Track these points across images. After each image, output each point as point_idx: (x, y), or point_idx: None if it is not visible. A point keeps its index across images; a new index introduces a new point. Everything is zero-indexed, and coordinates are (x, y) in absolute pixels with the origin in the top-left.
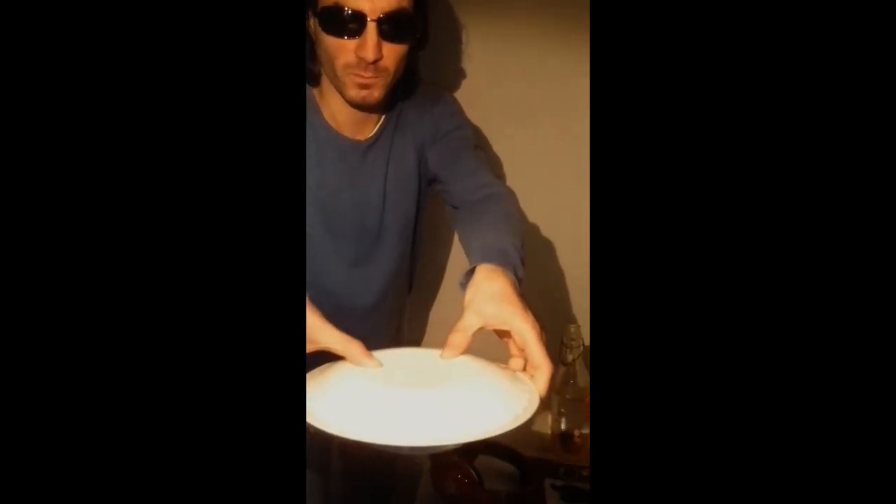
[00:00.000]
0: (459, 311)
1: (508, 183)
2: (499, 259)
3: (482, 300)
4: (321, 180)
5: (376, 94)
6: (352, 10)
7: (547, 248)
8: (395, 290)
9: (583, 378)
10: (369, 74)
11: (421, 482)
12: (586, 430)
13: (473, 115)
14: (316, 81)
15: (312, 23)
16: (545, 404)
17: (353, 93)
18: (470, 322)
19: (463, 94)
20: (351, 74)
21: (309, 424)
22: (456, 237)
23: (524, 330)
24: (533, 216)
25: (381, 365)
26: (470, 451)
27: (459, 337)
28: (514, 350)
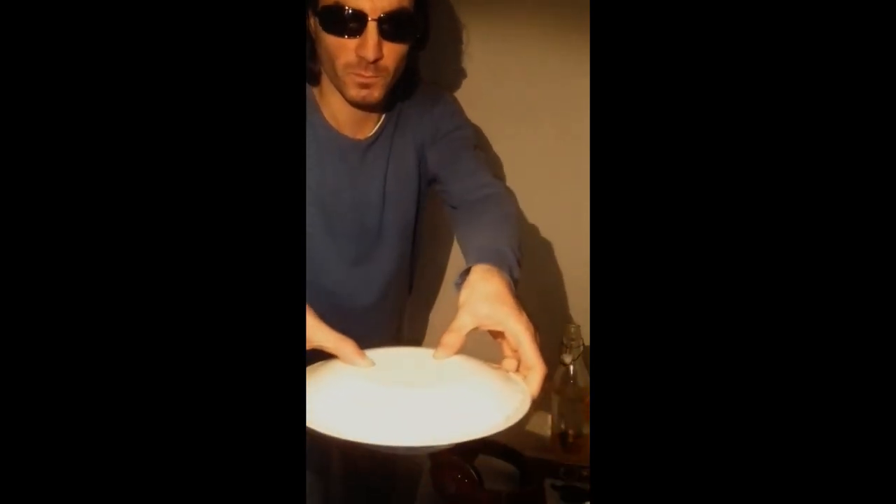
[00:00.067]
0: (456, 312)
1: (508, 183)
2: (494, 260)
3: (477, 301)
4: (321, 180)
5: (376, 93)
6: (352, 10)
7: (547, 248)
8: (396, 290)
9: (583, 378)
10: (369, 74)
11: (421, 482)
12: (586, 430)
13: (473, 115)
14: (316, 81)
15: (313, 22)
16: (540, 405)
17: (354, 92)
18: (464, 322)
19: (463, 94)
20: (351, 74)
21: None
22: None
23: (518, 331)
24: (533, 216)
25: (373, 364)
26: (470, 451)
27: (453, 337)
28: (507, 351)
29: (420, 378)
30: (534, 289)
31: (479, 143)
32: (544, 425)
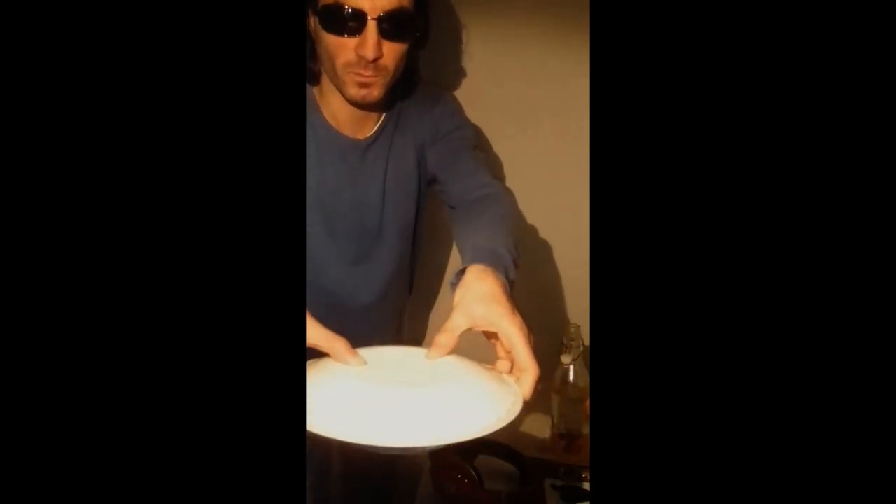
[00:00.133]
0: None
1: (508, 183)
2: (490, 260)
3: (471, 301)
4: (321, 180)
5: (376, 92)
6: (352, 9)
7: (547, 248)
8: (396, 289)
9: (583, 378)
10: (369, 73)
11: (421, 482)
12: (586, 430)
13: (473, 115)
14: (316, 80)
15: (312, 21)
16: (539, 405)
17: (353, 92)
18: (458, 322)
19: (463, 94)
20: (351, 73)
21: None
22: None
23: (512, 332)
24: (533, 216)
25: (365, 363)
26: (470, 451)
27: (446, 337)
28: (501, 352)
29: (412, 378)
30: (534, 289)
31: (478, 144)
32: (544, 426)
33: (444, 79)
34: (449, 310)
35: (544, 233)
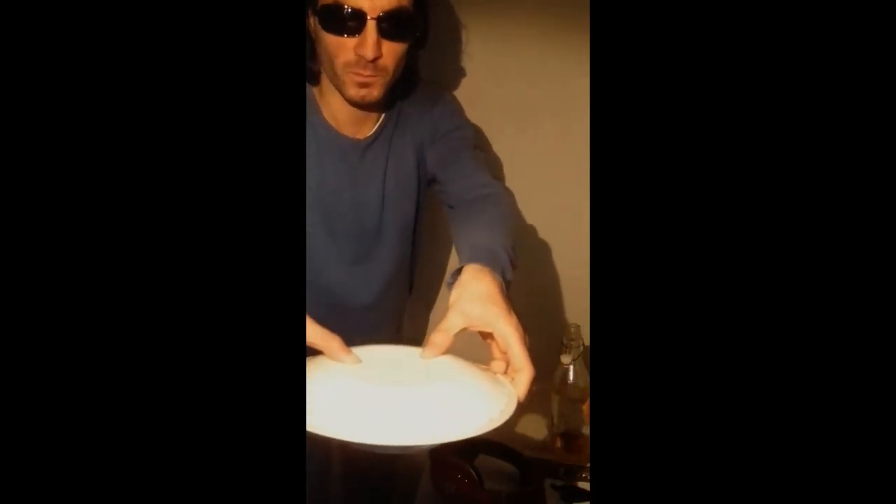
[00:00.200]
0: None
1: (508, 183)
2: (487, 260)
3: (467, 300)
4: (321, 180)
5: (375, 93)
6: (352, 9)
7: (547, 248)
8: (395, 290)
9: (583, 378)
10: (368, 73)
11: (421, 482)
12: (586, 431)
13: (473, 115)
14: (316, 80)
15: (312, 21)
16: (539, 405)
17: (353, 92)
18: (454, 322)
19: (463, 94)
20: (350, 73)
21: None
22: None
23: (507, 333)
24: (533, 216)
25: (359, 361)
26: (470, 451)
27: (441, 337)
28: (496, 353)
29: (406, 377)
30: (533, 289)
31: (478, 144)
32: (543, 426)
33: (444, 79)
34: (448, 310)
35: (544, 233)
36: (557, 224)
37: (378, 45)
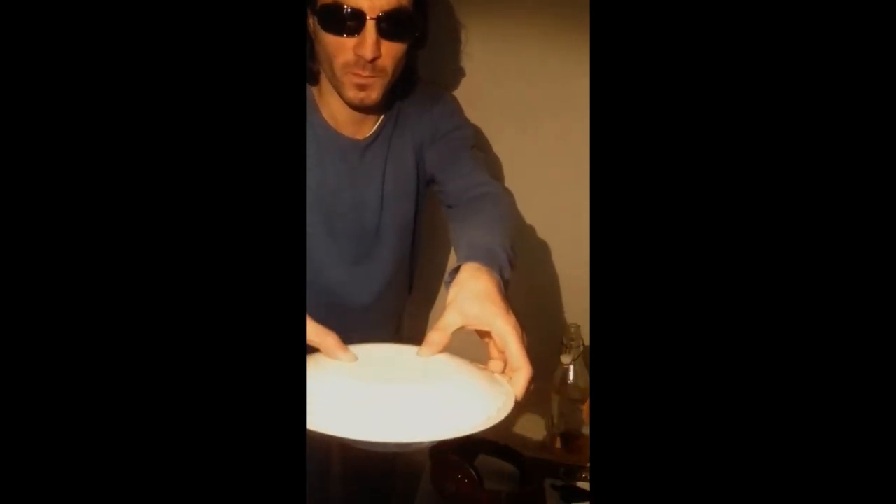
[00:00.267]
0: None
1: (508, 183)
2: (485, 258)
3: (465, 299)
4: (321, 180)
5: (374, 95)
6: (351, 8)
7: (546, 248)
8: (395, 290)
9: (583, 378)
10: (367, 74)
11: (421, 482)
12: (586, 431)
13: (473, 115)
14: (315, 80)
15: (311, 21)
16: (539, 405)
17: (352, 94)
18: (451, 321)
19: (463, 94)
20: (349, 74)
21: None
22: None
23: (505, 332)
24: (533, 216)
25: (355, 358)
26: (470, 451)
27: (438, 335)
28: (493, 352)
29: (402, 375)
30: (533, 289)
31: (477, 144)
32: (543, 426)
33: (444, 79)
34: (445, 308)
35: (544, 233)
36: (557, 224)
37: (377, 46)
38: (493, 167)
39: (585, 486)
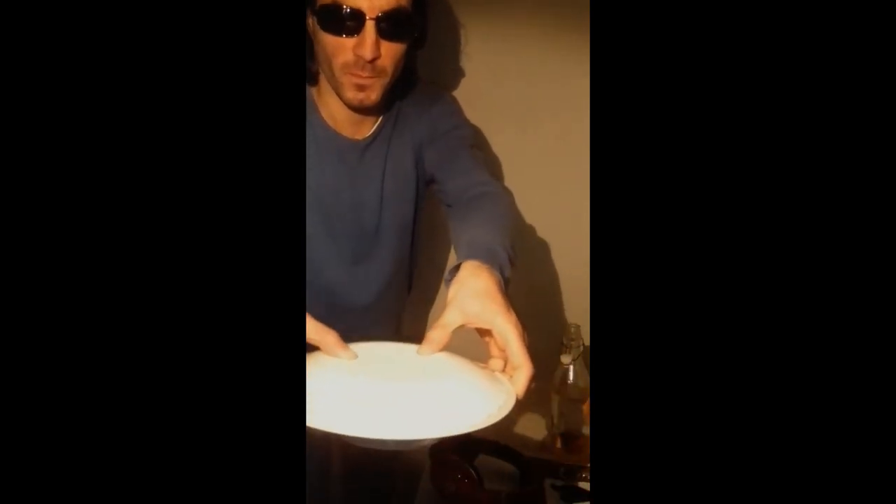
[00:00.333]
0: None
1: (508, 183)
2: (485, 257)
3: (465, 297)
4: (320, 180)
5: (373, 96)
6: (350, 9)
7: (546, 248)
8: (394, 290)
9: (583, 378)
10: (367, 74)
11: (421, 482)
12: (586, 431)
13: (473, 115)
14: (314, 80)
15: (311, 21)
16: (539, 405)
17: (351, 95)
18: (451, 319)
19: (462, 94)
20: (349, 74)
21: None
22: None
23: (506, 330)
24: (532, 216)
25: (356, 356)
26: (470, 451)
27: (439, 333)
28: (494, 351)
29: (402, 373)
30: (533, 289)
31: (476, 143)
32: (543, 426)
33: (443, 79)
34: (445, 306)
35: (544, 233)
36: (557, 224)
37: (377, 46)
38: (492, 166)
39: (585, 486)
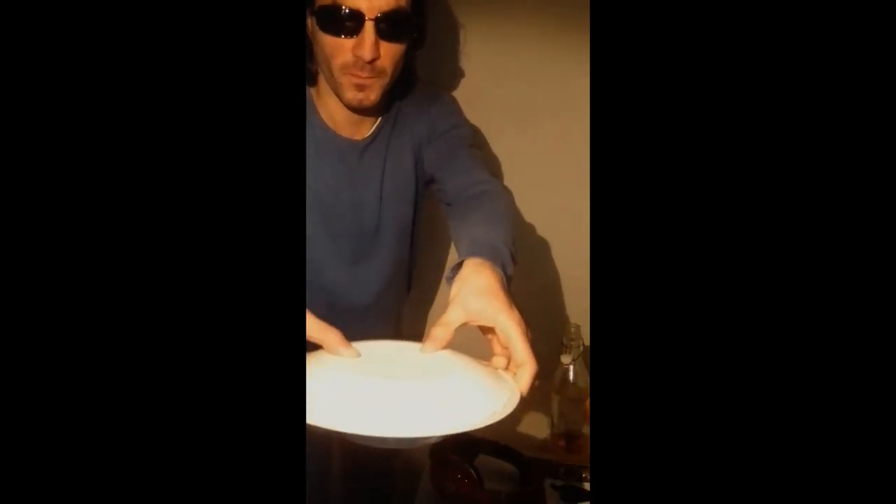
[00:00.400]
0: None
1: (508, 183)
2: (487, 254)
3: (468, 294)
4: (320, 180)
5: (373, 96)
6: (349, 9)
7: (546, 248)
8: (394, 289)
9: (583, 378)
10: (366, 74)
11: (421, 482)
12: (586, 431)
13: (473, 115)
14: (313, 81)
15: (310, 22)
16: (539, 405)
17: (350, 95)
18: (454, 316)
19: (462, 94)
20: (348, 75)
21: None
22: None
23: (509, 327)
24: (532, 216)
25: (358, 355)
26: (470, 451)
27: (442, 331)
28: (497, 348)
29: (405, 371)
30: (533, 289)
31: (475, 142)
32: (543, 425)
33: (443, 79)
34: (448, 304)
35: (544, 232)
36: (557, 224)
37: (376, 46)
38: (491, 165)
39: (585, 486)
